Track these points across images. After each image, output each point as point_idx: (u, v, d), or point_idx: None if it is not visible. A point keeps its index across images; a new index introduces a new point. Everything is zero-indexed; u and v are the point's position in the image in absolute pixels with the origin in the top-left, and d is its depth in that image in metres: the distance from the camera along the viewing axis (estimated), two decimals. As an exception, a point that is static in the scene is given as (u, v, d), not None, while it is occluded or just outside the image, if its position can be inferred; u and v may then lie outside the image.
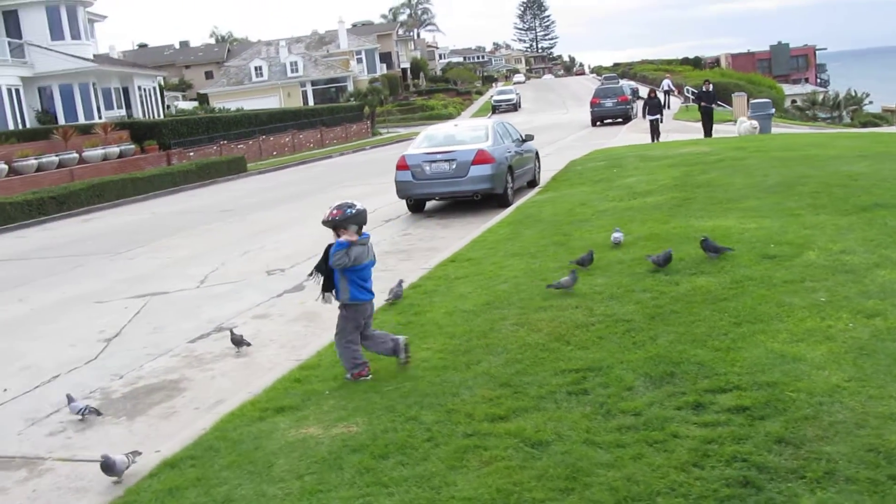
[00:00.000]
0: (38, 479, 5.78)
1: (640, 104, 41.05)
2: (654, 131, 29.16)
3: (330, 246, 6.26)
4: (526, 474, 4.39)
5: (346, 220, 6.22)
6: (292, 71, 79.31)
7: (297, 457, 5.02)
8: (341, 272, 6.32)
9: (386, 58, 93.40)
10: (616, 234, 10.13)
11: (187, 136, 38.87)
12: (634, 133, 33.61)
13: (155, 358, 8.51)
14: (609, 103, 44.07)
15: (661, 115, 30.07)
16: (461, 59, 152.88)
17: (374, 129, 61.53)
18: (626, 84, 53.72)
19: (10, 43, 40.69)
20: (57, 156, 30.58)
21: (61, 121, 40.37)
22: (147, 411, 6.99)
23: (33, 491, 5.58)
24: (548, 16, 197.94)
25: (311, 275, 6.59)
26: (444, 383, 5.98)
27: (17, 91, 39.93)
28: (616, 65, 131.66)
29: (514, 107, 73.32)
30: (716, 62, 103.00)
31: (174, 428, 6.47)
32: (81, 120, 40.54)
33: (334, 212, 6.18)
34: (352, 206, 6.26)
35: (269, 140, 45.65)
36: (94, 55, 44.92)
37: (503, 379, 5.92)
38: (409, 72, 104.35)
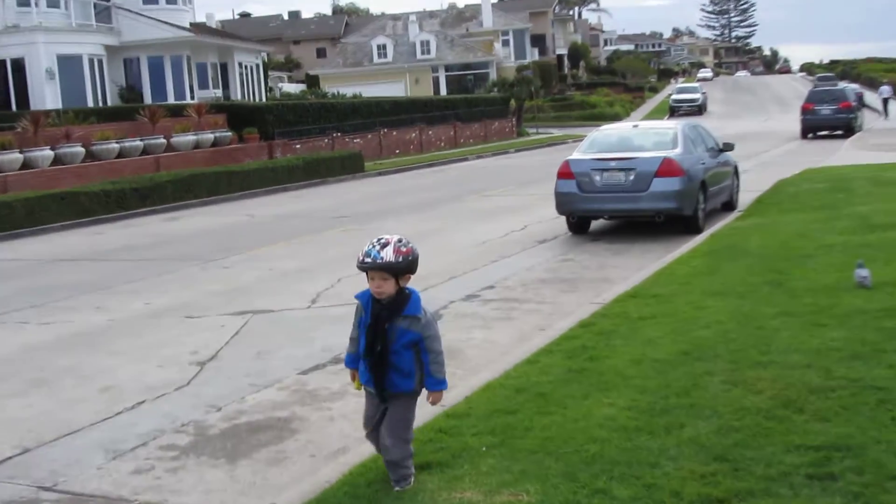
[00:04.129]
0: (122, 526, 5.89)
1: (867, 112, 39.87)
2: None
3: (388, 312, 5.39)
4: (762, 580, 4.16)
5: (415, 264, 5.41)
6: (423, 52, 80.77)
7: (452, 527, 4.93)
8: (416, 348, 5.45)
9: (538, 41, 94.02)
10: (862, 272, 9.71)
11: (294, 124, 40.04)
12: (860, 150, 32.53)
13: (259, 390, 8.64)
14: (826, 110, 43.00)
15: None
16: (632, 47, 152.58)
17: (521, 127, 61.86)
18: (847, 87, 52.21)
19: (95, 5, 42.91)
20: (142, 140, 31.99)
21: (148, 99, 42.32)
22: (251, 454, 7.08)
23: (118, 539, 5.69)
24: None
25: (367, 356, 5.46)
26: (637, 450, 5.79)
27: (101, 62, 42.06)
28: (834, 62, 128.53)
29: (699, 109, 72.54)
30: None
31: (287, 477, 6.52)
32: (171, 99, 42.39)
33: (402, 248, 5.29)
34: (408, 241, 5.42)
35: (392, 135, 46.50)
36: (191, 24, 46.87)
37: (717, 451, 5.70)
38: (566, 59, 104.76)
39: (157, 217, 25.19)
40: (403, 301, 5.40)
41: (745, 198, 19.79)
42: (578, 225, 17.41)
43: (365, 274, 5.32)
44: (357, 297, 5.55)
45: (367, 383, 5.54)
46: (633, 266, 13.42)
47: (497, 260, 14.98)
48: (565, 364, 7.98)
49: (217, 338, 10.64)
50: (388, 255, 5.23)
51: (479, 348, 9.59)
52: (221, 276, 14.92)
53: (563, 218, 17.49)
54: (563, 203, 16.93)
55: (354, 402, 8.02)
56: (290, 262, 15.89)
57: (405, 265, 5.30)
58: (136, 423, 7.89)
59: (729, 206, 19.00)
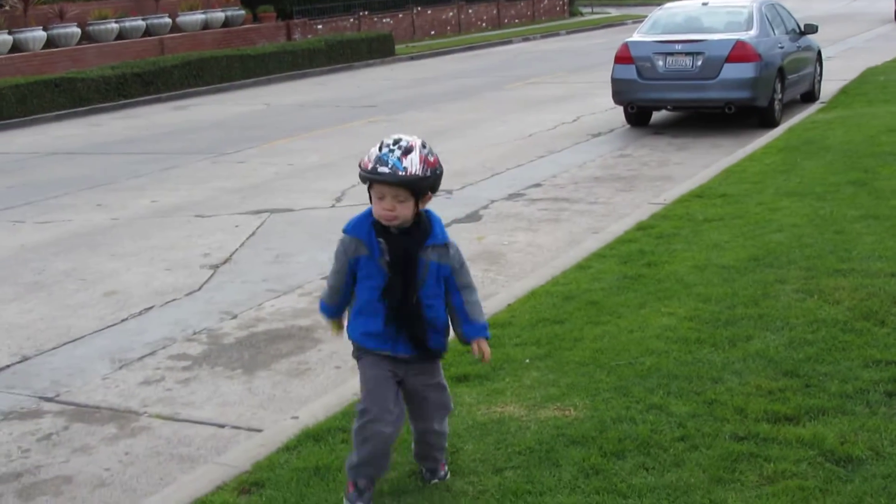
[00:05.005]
0: (130, 440, 6.10)
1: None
2: None
3: (412, 243, 4.39)
4: (830, 500, 4.28)
5: (441, 179, 4.32)
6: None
7: (492, 443, 5.07)
8: (448, 292, 4.54)
9: None
10: None
11: (315, 1, 39.77)
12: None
13: (278, 296, 8.81)
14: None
15: None
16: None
17: (574, 6, 61.09)
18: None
19: None
20: (144, 20, 32.02)
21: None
22: (271, 364, 7.26)
23: (126, 454, 5.89)
24: None
25: (396, 314, 4.41)
26: (698, 363, 5.90)
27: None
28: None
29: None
30: None
31: (310, 390, 6.69)
32: (176, -28, 42.08)
33: (430, 157, 4.22)
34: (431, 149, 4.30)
35: (427, 14, 46.13)
36: None
37: (787, 366, 5.79)
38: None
39: (162, 106, 25.34)
40: (427, 227, 4.39)
41: (829, 88, 19.59)
42: (638, 116, 17.32)
43: (367, 187, 4.26)
44: (348, 230, 4.40)
45: (395, 349, 4.47)
46: (699, 163, 13.42)
47: (545, 155, 15.00)
48: (620, 270, 8.07)
49: (231, 239, 10.81)
50: (413, 165, 4.11)
51: (523, 252, 9.68)
52: (235, 171, 15.07)
53: (621, 109, 17.41)
54: (621, 92, 16.83)
55: (384, 310, 8.15)
56: (311, 156, 16.00)
57: (433, 181, 4.22)
58: (144, 331, 8.10)
59: (810, 96, 18.82)
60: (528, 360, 6.21)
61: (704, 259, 8.10)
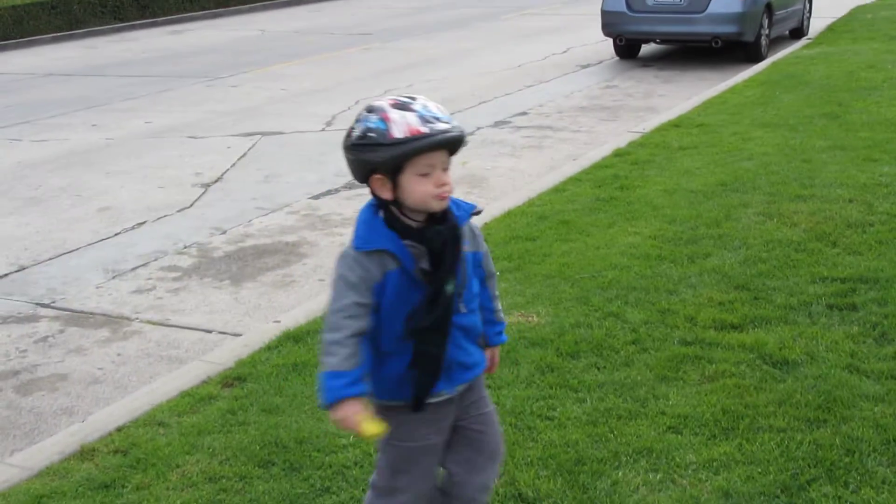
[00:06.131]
0: (122, 343, 6.45)
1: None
2: None
3: (453, 233, 3.17)
4: (763, 397, 4.65)
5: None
6: None
7: (460, 345, 5.44)
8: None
9: None
10: None
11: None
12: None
13: (267, 213, 9.12)
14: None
15: None
16: None
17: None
18: None
19: None
20: (140, -58, 31.90)
21: None
22: (257, 277, 7.59)
23: (118, 355, 6.25)
24: None
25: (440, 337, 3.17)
26: (656, 277, 6.26)
27: None
28: None
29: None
30: None
31: (294, 299, 7.02)
32: None
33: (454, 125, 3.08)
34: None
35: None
36: None
37: (740, 280, 6.16)
38: None
39: (157, 30, 25.45)
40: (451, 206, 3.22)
41: (817, 25, 19.78)
42: (626, 49, 17.52)
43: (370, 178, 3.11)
44: (362, 245, 3.11)
45: (450, 385, 3.28)
46: (683, 95, 13.67)
47: (533, 85, 15.24)
48: (594, 193, 8.41)
49: (223, 160, 11.11)
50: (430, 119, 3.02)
51: (504, 177, 9.99)
52: (228, 94, 15.32)
53: (610, 41, 17.58)
54: (610, 24, 17.00)
55: (367, 227, 8.48)
56: (304, 81, 16.23)
57: (457, 138, 3.11)
58: (136, 244, 8.42)
59: (798, 32, 19.01)
60: (498, 273, 6.54)
61: (675, 184, 8.42)
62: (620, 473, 4.11)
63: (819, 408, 4.53)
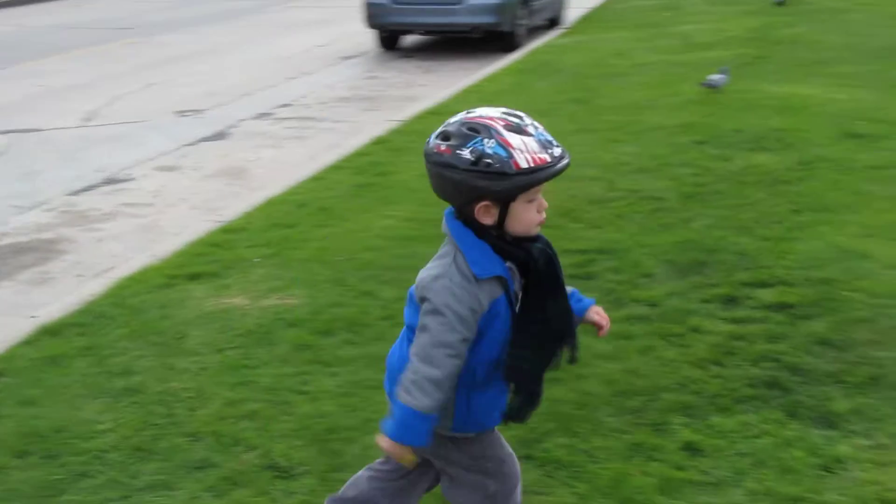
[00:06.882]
0: None
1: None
2: None
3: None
4: (504, 362, 4.98)
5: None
6: None
7: (216, 329, 5.58)
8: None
9: None
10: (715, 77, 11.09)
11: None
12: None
13: (24, 212, 8.95)
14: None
15: None
16: None
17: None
18: None
19: None
20: None
21: None
22: (13, 275, 7.47)
23: None
24: None
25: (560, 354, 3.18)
26: (411, 257, 6.49)
27: None
28: None
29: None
30: None
31: (51, 295, 6.97)
32: None
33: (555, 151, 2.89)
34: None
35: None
36: None
37: (489, 256, 6.48)
38: None
39: None
40: None
41: (574, 15, 20.61)
42: (389, 40, 17.86)
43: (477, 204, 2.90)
44: (482, 273, 2.91)
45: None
46: (443, 84, 14.01)
47: (296, 77, 15.36)
48: (353, 180, 8.65)
49: (-25, 159, 10.83)
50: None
51: (266, 168, 10.08)
52: (-18, 92, 14.86)
53: (373, 32, 17.85)
54: (373, 16, 17.22)
55: (127, 223, 8.49)
56: (63, 77, 15.86)
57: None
58: None
59: (555, 22, 19.73)
60: (257, 259, 6.71)
61: (430, 168, 8.75)
62: (370, 438, 4.31)
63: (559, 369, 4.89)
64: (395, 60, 16.82)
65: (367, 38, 18.29)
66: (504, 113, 2.88)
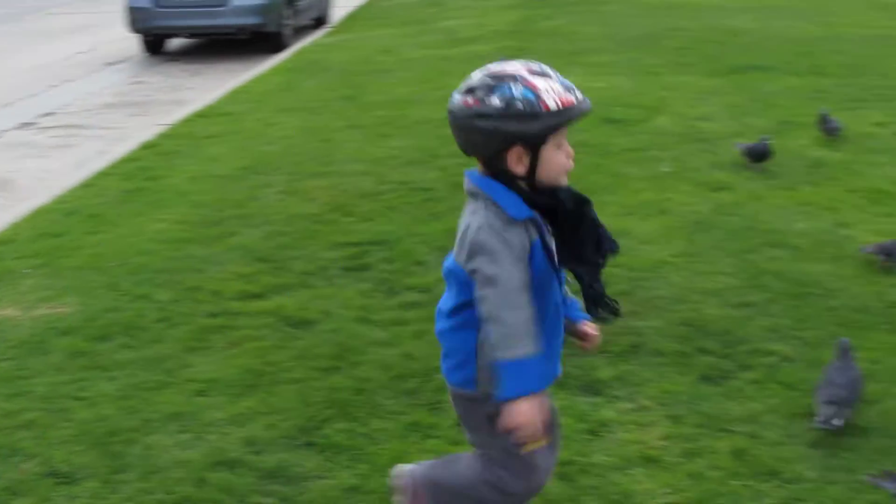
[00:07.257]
0: None
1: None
2: None
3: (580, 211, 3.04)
4: (283, 354, 5.07)
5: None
6: None
7: (-12, 343, 5.47)
8: None
9: None
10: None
11: None
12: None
13: None
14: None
15: None
16: None
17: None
18: None
19: None
20: None
21: None
22: None
23: None
24: None
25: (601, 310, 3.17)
26: (184, 258, 6.54)
27: None
28: None
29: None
30: None
31: None
32: None
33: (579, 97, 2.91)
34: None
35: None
36: None
37: (262, 253, 6.57)
38: None
39: None
40: None
41: (340, 13, 20.78)
42: (154, 44, 17.61)
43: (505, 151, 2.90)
44: (518, 214, 2.90)
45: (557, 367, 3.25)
46: (211, 86, 13.92)
47: (58, 85, 14.99)
48: (122, 185, 8.57)
49: None
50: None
51: (31, 178, 9.83)
52: None
53: (137, 37, 17.56)
54: (136, 20, 16.96)
55: None
56: None
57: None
58: None
59: (321, 21, 19.89)
60: (26, 271, 6.58)
61: (201, 171, 8.74)
62: (152, 438, 4.37)
63: (333, 357, 5.01)
64: (160, 64, 16.62)
65: (131, 42, 17.96)
66: (523, 62, 2.90)
